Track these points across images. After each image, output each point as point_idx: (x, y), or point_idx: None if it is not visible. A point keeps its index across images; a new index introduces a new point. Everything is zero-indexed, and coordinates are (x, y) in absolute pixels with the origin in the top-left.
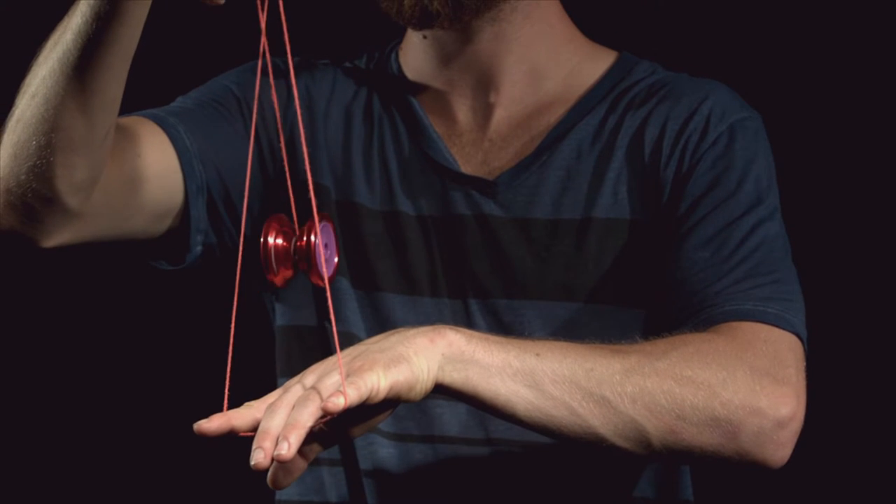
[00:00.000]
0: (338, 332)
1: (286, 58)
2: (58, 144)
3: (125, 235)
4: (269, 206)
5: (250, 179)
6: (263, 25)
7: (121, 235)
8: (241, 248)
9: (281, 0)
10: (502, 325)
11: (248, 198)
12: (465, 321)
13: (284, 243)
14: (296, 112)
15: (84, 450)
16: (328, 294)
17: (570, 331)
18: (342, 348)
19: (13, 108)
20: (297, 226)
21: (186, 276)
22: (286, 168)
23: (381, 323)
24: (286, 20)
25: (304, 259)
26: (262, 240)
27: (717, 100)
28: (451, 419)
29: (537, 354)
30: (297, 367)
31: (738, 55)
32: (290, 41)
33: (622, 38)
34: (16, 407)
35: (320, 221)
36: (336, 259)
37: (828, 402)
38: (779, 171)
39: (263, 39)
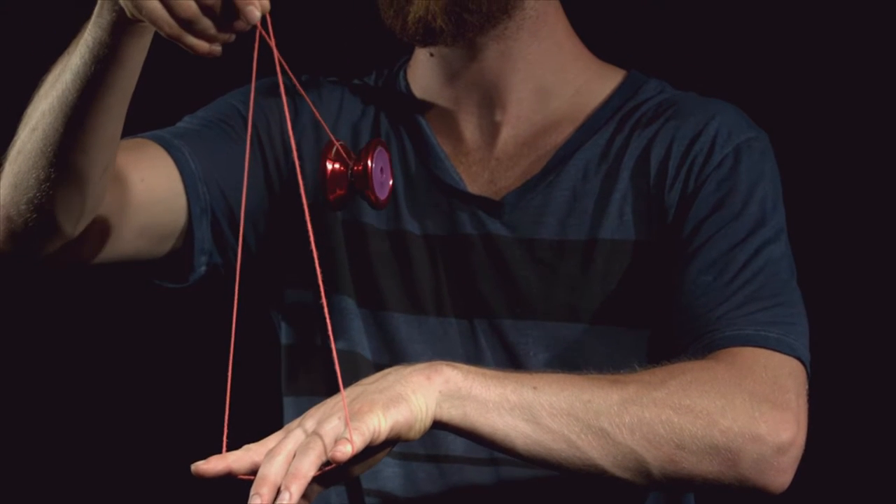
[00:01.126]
0: (343, 350)
1: (292, 77)
2: (57, 179)
3: (128, 257)
4: (275, 225)
5: (256, 198)
6: (256, 55)
7: (124, 257)
8: (238, 270)
9: (272, 34)
10: (507, 345)
11: (255, 216)
12: (471, 341)
13: (342, 168)
14: (303, 130)
15: (84, 471)
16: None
17: (575, 351)
18: (346, 367)
19: (15, 138)
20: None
21: (194, 296)
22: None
23: (386, 342)
24: (281, 48)
25: (361, 180)
26: (321, 163)
27: (724, 120)
28: (457, 439)
29: (534, 388)
30: (301, 386)
31: (747, 72)
32: (299, 60)
33: (630, 57)
34: (20, 427)
35: (376, 147)
36: (391, 182)
37: (829, 418)
38: (787, 186)
39: (255, 68)
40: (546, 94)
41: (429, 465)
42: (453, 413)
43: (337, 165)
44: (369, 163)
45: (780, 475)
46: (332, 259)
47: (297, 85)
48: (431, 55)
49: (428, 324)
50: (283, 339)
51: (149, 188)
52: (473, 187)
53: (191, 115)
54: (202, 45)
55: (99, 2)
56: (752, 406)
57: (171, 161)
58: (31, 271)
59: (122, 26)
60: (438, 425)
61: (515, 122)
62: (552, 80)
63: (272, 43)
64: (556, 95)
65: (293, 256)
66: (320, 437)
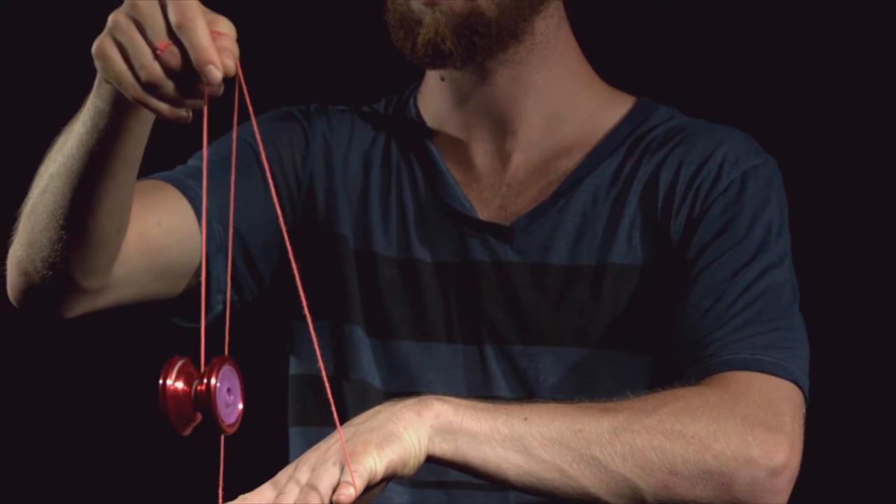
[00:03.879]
0: (353, 380)
1: (303, 107)
2: (69, 240)
3: (147, 298)
4: (287, 256)
5: (269, 230)
6: (236, 107)
7: (142, 299)
8: (228, 302)
9: (246, 91)
10: (517, 371)
11: (268, 248)
12: (480, 367)
13: (185, 387)
14: (314, 160)
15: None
16: (221, 447)
17: (585, 376)
18: (357, 397)
19: (29, 195)
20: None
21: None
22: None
23: (395, 371)
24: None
25: (203, 405)
26: (160, 382)
27: (732, 146)
28: None
29: (525, 419)
30: (312, 417)
31: (758, 100)
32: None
33: (640, 84)
34: (25, 454)
35: (223, 365)
36: (241, 406)
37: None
38: (797, 213)
39: (235, 118)
40: (557, 120)
41: (439, 491)
42: (445, 447)
43: (179, 385)
44: (213, 381)
45: (775, 498)
46: (344, 289)
47: (258, 138)
48: (442, 79)
49: (438, 351)
50: (292, 370)
51: (166, 231)
52: (484, 213)
53: (200, 150)
54: (167, 110)
55: (98, 73)
56: (744, 430)
57: (187, 202)
58: (46, 320)
59: (120, 98)
60: (432, 459)
61: (526, 147)
62: (563, 105)
63: (248, 100)
64: (566, 121)
65: (304, 287)
66: (316, 489)
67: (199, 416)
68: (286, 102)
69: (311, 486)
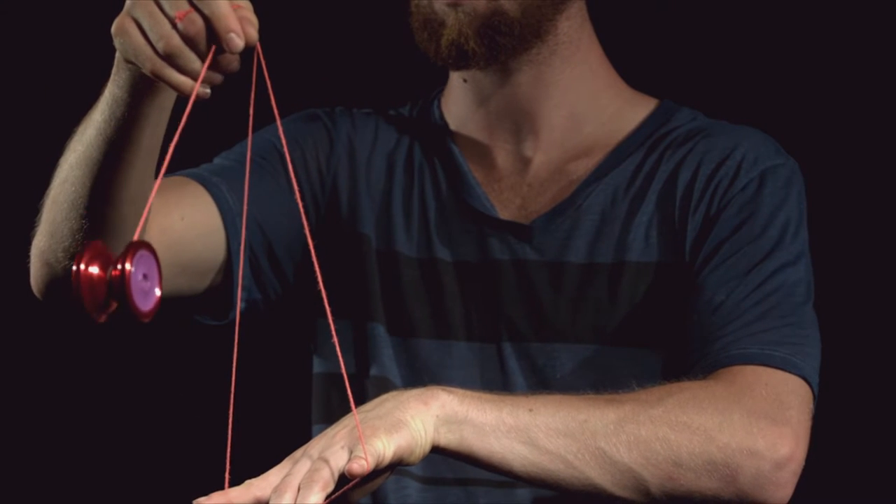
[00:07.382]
0: (374, 377)
1: (328, 109)
2: (90, 229)
3: (170, 294)
4: (311, 255)
5: (293, 230)
6: (253, 94)
7: (166, 295)
8: (238, 307)
9: (265, 68)
10: (536, 368)
11: (292, 247)
12: (499, 365)
13: (100, 273)
14: (338, 160)
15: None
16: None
17: (602, 373)
18: (378, 394)
19: (50, 186)
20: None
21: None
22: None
23: (416, 369)
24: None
25: (118, 290)
26: (73, 268)
27: (752, 146)
28: None
29: (530, 410)
30: (336, 414)
31: (780, 102)
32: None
33: (663, 85)
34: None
35: (139, 249)
36: (158, 292)
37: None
38: (821, 215)
39: (252, 101)
40: (579, 121)
41: (457, 489)
42: (451, 437)
43: (94, 270)
44: (128, 266)
45: (779, 490)
46: (365, 288)
47: (279, 124)
48: (465, 81)
49: (457, 349)
50: (315, 368)
51: (189, 226)
52: (504, 213)
53: (227, 150)
54: (186, 83)
55: (116, 60)
56: (749, 422)
57: (210, 198)
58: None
59: (137, 84)
60: (437, 450)
61: (547, 148)
62: (585, 106)
63: (267, 77)
64: (588, 122)
65: (326, 286)
66: (327, 463)
67: (115, 304)
68: (311, 107)
69: (324, 460)
